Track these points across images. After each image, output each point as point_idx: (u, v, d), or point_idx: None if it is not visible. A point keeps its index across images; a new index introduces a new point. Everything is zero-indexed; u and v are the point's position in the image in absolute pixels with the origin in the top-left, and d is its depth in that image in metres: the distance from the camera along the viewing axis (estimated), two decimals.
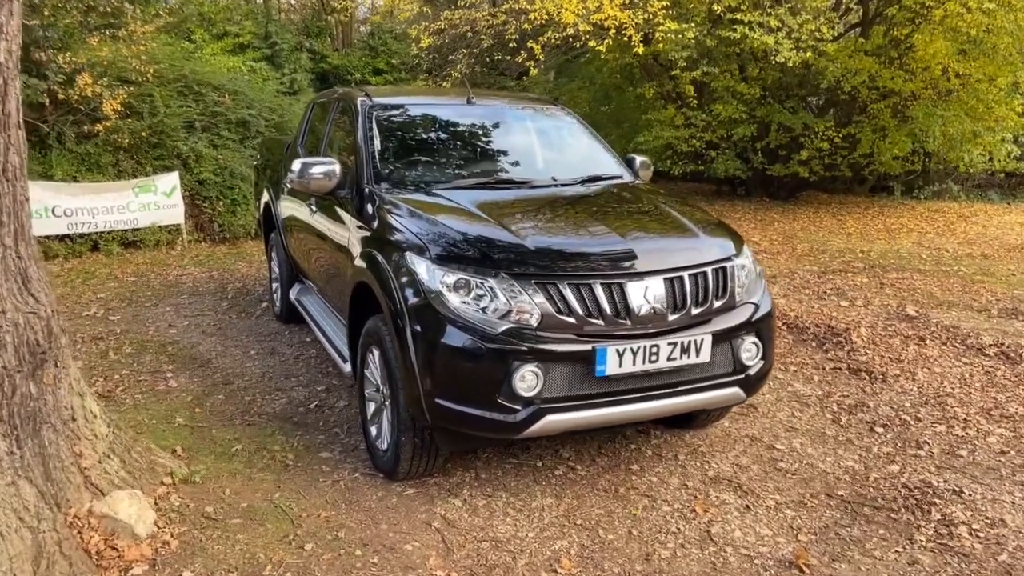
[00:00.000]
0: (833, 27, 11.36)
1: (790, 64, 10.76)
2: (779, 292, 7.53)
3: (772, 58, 10.85)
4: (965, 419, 4.49)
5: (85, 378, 5.07)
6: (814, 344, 5.91)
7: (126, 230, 9.43)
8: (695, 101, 13.18)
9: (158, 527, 3.16)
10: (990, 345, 5.79)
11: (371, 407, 3.87)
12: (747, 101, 12.86)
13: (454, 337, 3.20)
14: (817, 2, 11.41)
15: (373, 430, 3.85)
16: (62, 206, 8.92)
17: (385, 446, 3.68)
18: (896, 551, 3.17)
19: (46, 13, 8.82)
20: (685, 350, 3.33)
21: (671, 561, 3.09)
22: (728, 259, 3.61)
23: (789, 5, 11.12)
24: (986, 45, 11.38)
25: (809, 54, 10.91)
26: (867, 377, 5.18)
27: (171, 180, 9.61)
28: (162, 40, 12.64)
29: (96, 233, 9.25)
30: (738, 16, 10.67)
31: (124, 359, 5.51)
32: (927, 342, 5.89)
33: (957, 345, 5.85)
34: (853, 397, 4.84)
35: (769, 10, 10.84)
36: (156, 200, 9.53)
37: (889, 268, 8.68)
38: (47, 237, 8.96)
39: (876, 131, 12.56)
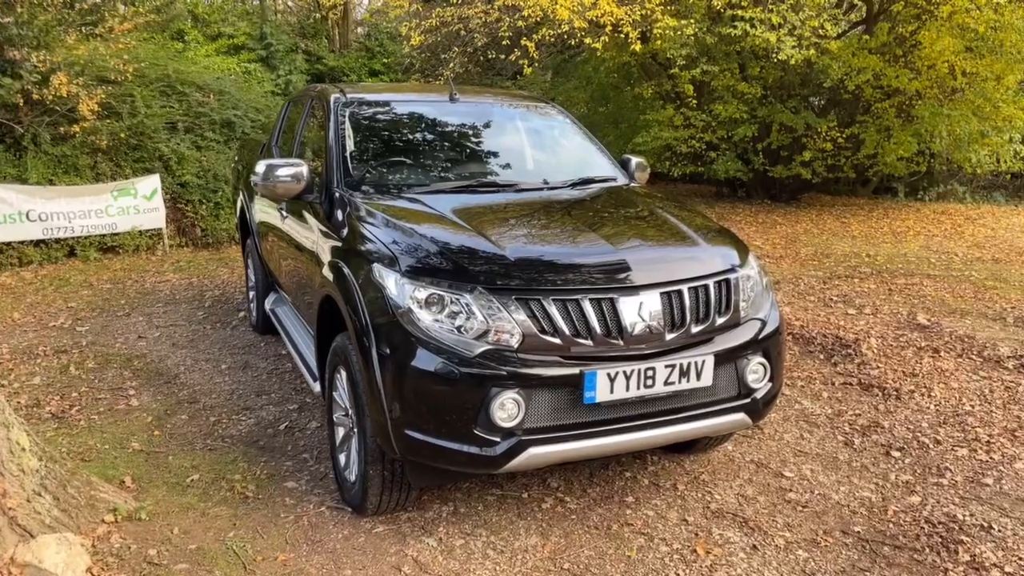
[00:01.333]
0: (837, 24, 11.01)
1: (792, 62, 10.41)
2: (783, 299, 7.18)
3: (774, 56, 10.50)
4: (988, 441, 4.13)
5: (41, 395, 4.78)
6: (822, 356, 5.56)
7: (104, 235, 9.09)
8: (694, 101, 12.82)
9: (92, 575, 2.80)
10: (1009, 357, 5.44)
11: (340, 432, 3.52)
12: (748, 101, 12.50)
13: (425, 360, 2.85)
14: None
15: (342, 458, 3.49)
16: (37, 210, 8.59)
17: (353, 478, 3.33)
18: None
19: (19, 10, 8.48)
20: (684, 373, 2.97)
21: None
22: (732, 270, 3.26)
23: (791, 1, 10.77)
24: (993, 42, 11.03)
25: (811, 52, 10.55)
26: (880, 393, 4.83)
27: (152, 183, 9.27)
28: (155, 39, 12.31)
29: (73, 238, 8.91)
30: (739, 12, 10.32)
31: (85, 374, 5.16)
32: (941, 354, 5.54)
33: (974, 357, 5.50)
34: (866, 416, 4.49)
35: (771, 6, 10.49)
36: (136, 204, 9.19)
37: (897, 273, 8.33)
38: (21, 242, 8.62)
39: (880, 131, 12.20)
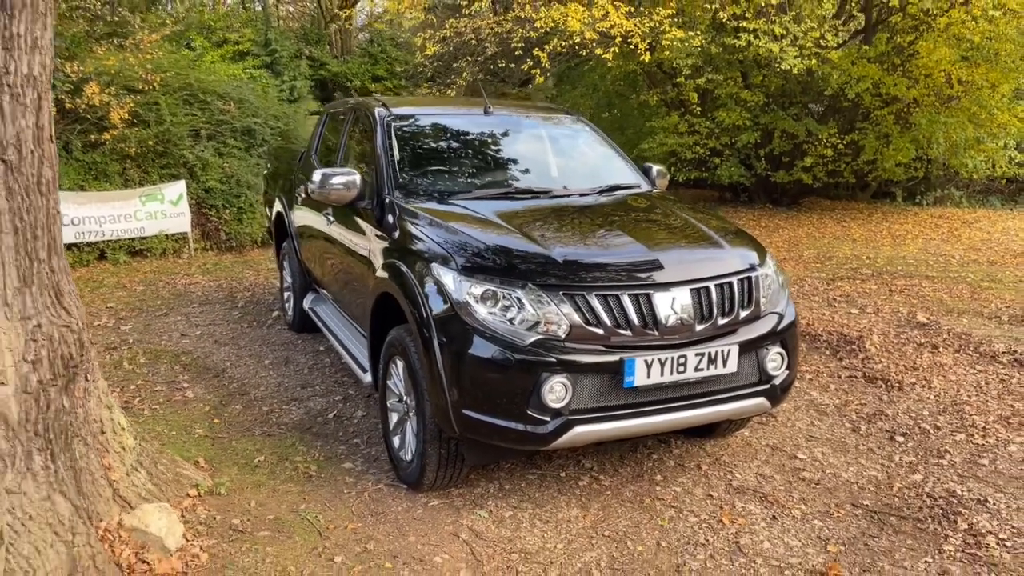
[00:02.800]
0: (837, 34, 11.40)
1: (794, 71, 10.80)
2: None
3: (776, 66, 10.88)
4: (984, 427, 4.49)
5: None
6: (828, 352, 5.92)
7: (133, 239, 9.43)
8: (698, 108, 13.21)
9: (187, 540, 3.15)
10: (1003, 352, 5.80)
11: (394, 418, 3.86)
12: (750, 108, 12.90)
13: (482, 348, 3.20)
14: (821, 10, 11.45)
15: (396, 441, 3.84)
16: (69, 215, 8.90)
17: (409, 457, 3.67)
18: (925, 561, 3.17)
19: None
20: (712, 360, 3.33)
21: (702, 572, 3.09)
22: (752, 269, 3.62)
23: (793, 13, 11.16)
24: (988, 51, 11.43)
25: (813, 61, 10.94)
26: (883, 385, 5.19)
27: (177, 188, 9.61)
28: (165, 48, 12.68)
29: (103, 242, 9.25)
30: (743, 24, 10.71)
31: (139, 369, 5.50)
32: (940, 349, 5.90)
33: (970, 352, 5.86)
34: (871, 406, 4.84)
35: (774, 18, 10.87)
36: (163, 209, 9.53)
37: (897, 275, 8.69)
38: None
39: (879, 138, 12.59)
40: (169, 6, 21.31)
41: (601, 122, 16.40)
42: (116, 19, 9.59)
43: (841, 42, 12.17)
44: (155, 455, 3.43)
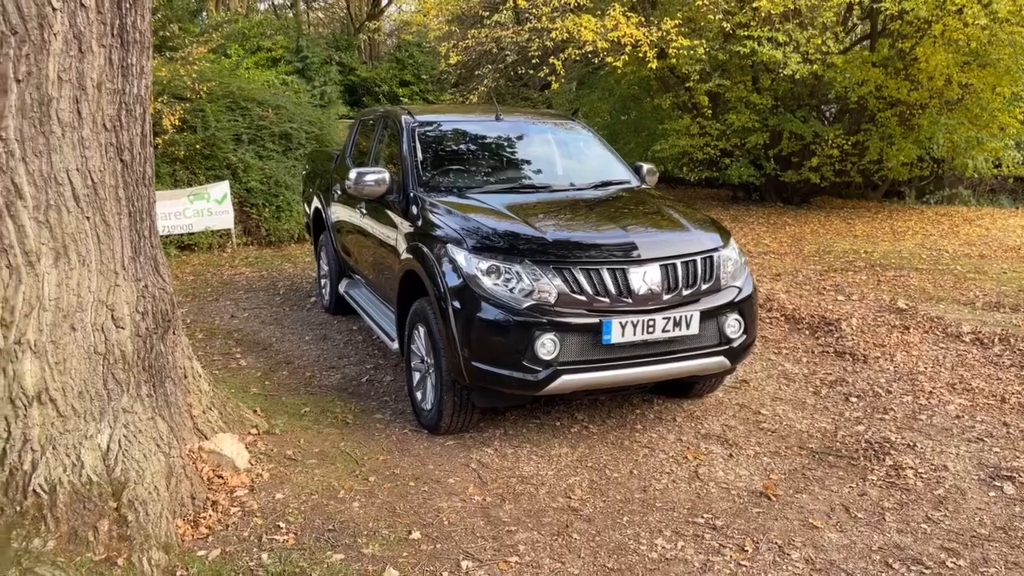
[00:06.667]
0: (839, 41, 11.98)
1: (797, 76, 11.40)
2: (782, 288, 8.18)
3: (780, 71, 11.50)
4: (931, 391, 5.14)
5: None
6: (807, 332, 6.57)
7: (182, 234, 10.33)
8: (709, 111, 13.84)
9: (251, 464, 3.93)
10: (968, 333, 6.40)
11: (416, 376, 4.63)
12: (760, 111, 13.49)
13: (488, 312, 3.95)
14: (824, 17, 12.04)
15: (418, 395, 4.60)
16: None
17: (429, 406, 4.43)
18: (850, 486, 3.85)
19: None
20: (677, 323, 4.04)
21: (663, 492, 3.80)
22: (716, 250, 4.33)
23: (798, 21, 11.76)
24: (988, 56, 11.92)
25: (816, 66, 11.53)
26: (850, 359, 5.84)
27: (222, 188, 10.49)
28: (209, 59, 13.63)
29: None
30: (747, 32, 11.35)
31: (198, 343, 6.33)
32: (911, 330, 6.52)
33: (938, 333, 6.48)
34: (835, 375, 5.50)
35: (777, 25, 11.50)
36: (209, 207, 10.41)
37: (888, 267, 9.27)
38: None
39: (884, 139, 13.12)
40: (204, 15, 22.39)
41: (618, 124, 17.11)
42: (168, 34, 10.49)
43: (843, 48, 12.74)
44: (224, 400, 4.23)
